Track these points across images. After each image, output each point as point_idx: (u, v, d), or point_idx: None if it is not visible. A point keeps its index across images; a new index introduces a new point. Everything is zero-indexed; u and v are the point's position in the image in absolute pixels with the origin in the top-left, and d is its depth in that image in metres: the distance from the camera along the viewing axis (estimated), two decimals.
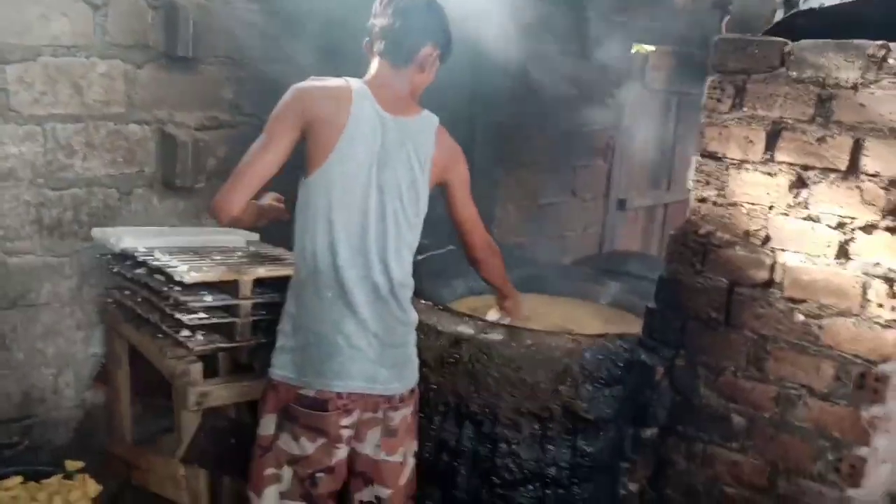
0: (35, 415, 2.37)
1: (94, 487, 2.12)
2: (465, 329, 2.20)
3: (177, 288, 1.80)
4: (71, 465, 2.22)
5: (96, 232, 2.17)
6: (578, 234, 4.33)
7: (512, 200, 3.82)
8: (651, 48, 4.63)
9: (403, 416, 1.80)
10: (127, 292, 2.07)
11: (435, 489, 2.18)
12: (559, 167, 4.08)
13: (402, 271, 1.77)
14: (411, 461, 1.85)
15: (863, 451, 1.76)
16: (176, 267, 1.80)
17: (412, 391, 1.82)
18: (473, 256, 2.08)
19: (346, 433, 1.69)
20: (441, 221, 3.34)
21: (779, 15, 4.53)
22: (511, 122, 3.49)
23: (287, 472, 1.69)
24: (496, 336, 2.16)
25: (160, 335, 1.92)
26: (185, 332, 1.82)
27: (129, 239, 2.00)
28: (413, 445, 1.86)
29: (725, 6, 4.55)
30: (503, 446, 2.11)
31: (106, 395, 2.41)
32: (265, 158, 1.64)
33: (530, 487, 2.10)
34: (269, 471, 1.69)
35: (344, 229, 1.67)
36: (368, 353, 1.68)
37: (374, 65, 1.78)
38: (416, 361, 1.83)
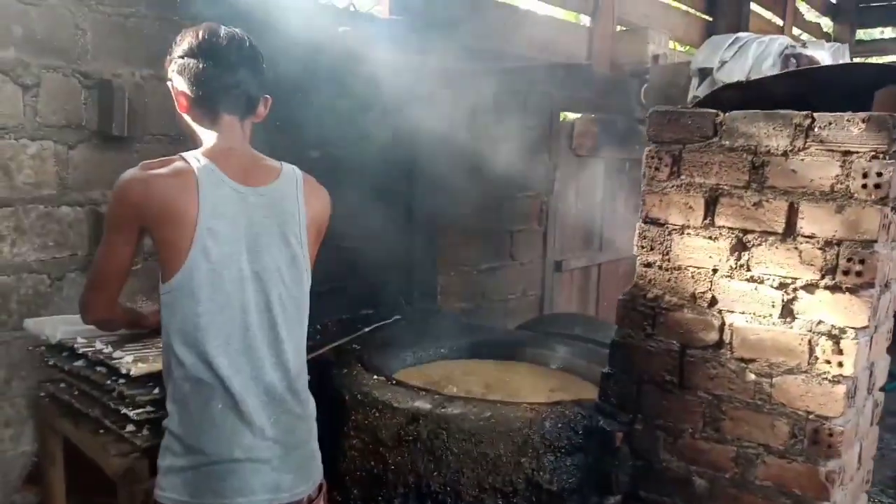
0: None
1: None
2: (423, 404, 2.16)
3: (121, 381, 1.70)
4: None
5: (29, 323, 2.05)
6: (518, 297, 4.38)
7: (453, 267, 3.84)
8: (576, 116, 4.83)
9: None
10: (63, 385, 1.95)
11: None
12: (497, 233, 4.15)
13: (300, 360, 1.59)
14: None
15: None
16: (120, 358, 1.70)
17: (320, 486, 1.63)
18: None
19: None
20: (387, 289, 3.33)
21: (693, 84, 4.76)
22: (448, 191, 3.53)
23: None
24: (455, 409, 2.13)
25: (102, 431, 1.80)
26: (131, 427, 1.71)
27: (66, 329, 1.88)
28: None
29: (642, 76, 4.83)
30: None
31: (38, 496, 2.22)
32: (112, 264, 1.50)
33: None
34: None
35: (222, 333, 1.45)
36: (271, 462, 1.50)
37: (208, 127, 1.53)
38: (318, 455, 1.63)
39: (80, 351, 1.79)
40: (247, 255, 1.49)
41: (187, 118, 1.58)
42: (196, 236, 1.42)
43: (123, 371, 1.66)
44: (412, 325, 3.04)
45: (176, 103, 1.57)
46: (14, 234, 2.22)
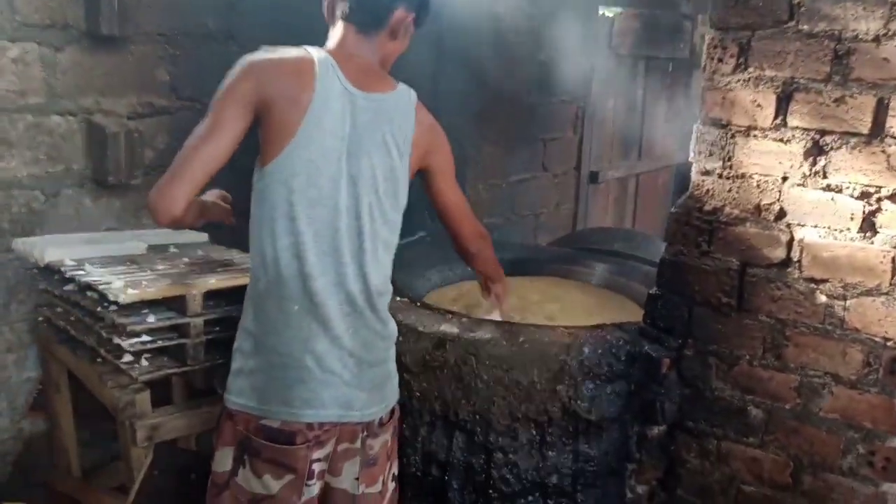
0: None
1: None
2: (450, 328, 1.98)
3: (112, 308, 1.53)
4: None
5: (17, 243, 1.88)
6: (551, 211, 4.13)
7: (481, 179, 3.60)
8: (616, 11, 4.42)
9: (384, 441, 1.56)
10: (59, 310, 1.80)
11: None
12: (528, 142, 3.87)
13: (381, 276, 1.52)
14: (392, 485, 1.62)
15: None
16: (110, 283, 1.52)
17: (392, 411, 1.58)
18: (465, 249, 1.83)
19: (318, 468, 1.44)
20: (412, 205, 3.13)
21: None
22: (477, 96, 3.25)
23: None
24: (484, 334, 1.95)
25: (99, 360, 1.65)
26: (128, 358, 1.55)
27: (54, 250, 1.71)
28: (394, 467, 1.63)
29: None
30: (499, 456, 1.91)
31: (46, 423, 2.13)
32: (211, 147, 1.36)
33: (530, 498, 1.92)
34: None
35: (311, 229, 1.41)
36: (343, 375, 1.44)
37: (338, 31, 1.51)
38: (396, 377, 1.59)
39: (68, 275, 1.62)
40: (346, 156, 1.44)
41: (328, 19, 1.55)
42: (304, 123, 1.39)
43: (111, 298, 1.49)
44: (438, 243, 2.84)
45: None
46: (1, 147, 2.04)
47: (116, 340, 1.52)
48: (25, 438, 2.18)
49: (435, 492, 1.96)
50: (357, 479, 1.50)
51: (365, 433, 1.50)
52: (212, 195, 1.59)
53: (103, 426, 2.20)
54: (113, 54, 2.22)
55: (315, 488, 1.46)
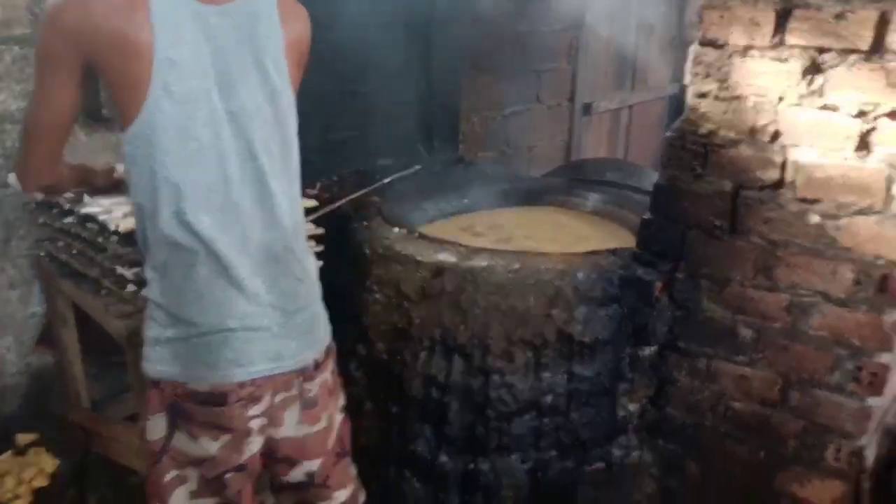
0: None
1: (50, 462, 1.92)
2: (447, 257, 2.01)
3: (114, 238, 1.54)
4: (23, 438, 2.01)
5: (13, 178, 1.87)
6: (546, 144, 4.12)
7: (475, 112, 3.57)
8: None
9: (322, 381, 1.46)
10: (60, 244, 1.81)
11: (426, 427, 2.04)
12: (523, 72, 3.82)
13: (295, 214, 1.38)
14: (339, 417, 1.55)
15: (884, 357, 1.66)
16: (109, 213, 1.53)
17: (327, 350, 1.47)
18: None
19: (256, 423, 1.36)
20: (406, 137, 3.12)
21: None
22: (469, 24, 3.19)
23: (192, 471, 1.36)
24: (481, 262, 1.98)
25: (103, 291, 1.67)
26: (131, 287, 1.57)
27: None
28: (339, 402, 1.55)
29: None
30: (496, 378, 1.97)
31: (53, 357, 2.17)
32: (48, 118, 1.24)
33: (526, 417, 1.99)
34: (171, 474, 1.35)
35: (197, 188, 1.24)
36: (271, 328, 1.33)
37: None
38: (324, 316, 1.47)
39: (67, 207, 1.62)
40: (217, 91, 1.24)
41: None
42: (154, 70, 1.17)
43: (111, 228, 1.50)
44: (433, 175, 2.84)
45: None
46: None
47: (119, 270, 1.53)
48: (33, 373, 2.22)
49: (436, 413, 2.02)
50: (300, 422, 1.44)
51: (301, 378, 1.41)
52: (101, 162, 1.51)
53: (109, 359, 2.26)
54: None
55: (256, 444, 1.39)
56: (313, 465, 1.49)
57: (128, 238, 1.52)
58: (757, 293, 1.80)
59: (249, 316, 1.31)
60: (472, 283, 1.95)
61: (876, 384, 1.67)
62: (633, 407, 2.03)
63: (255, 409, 1.34)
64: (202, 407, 1.31)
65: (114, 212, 1.53)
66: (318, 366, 1.43)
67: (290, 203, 1.36)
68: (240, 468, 1.37)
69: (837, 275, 1.68)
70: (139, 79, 1.17)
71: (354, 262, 2.15)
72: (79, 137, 2.19)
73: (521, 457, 2.01)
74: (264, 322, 1.32)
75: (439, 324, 1.99)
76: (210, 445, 1.33)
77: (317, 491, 1.52)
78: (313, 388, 1.44)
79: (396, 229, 2.21)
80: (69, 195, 1.65)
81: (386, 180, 2.67)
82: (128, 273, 1.52)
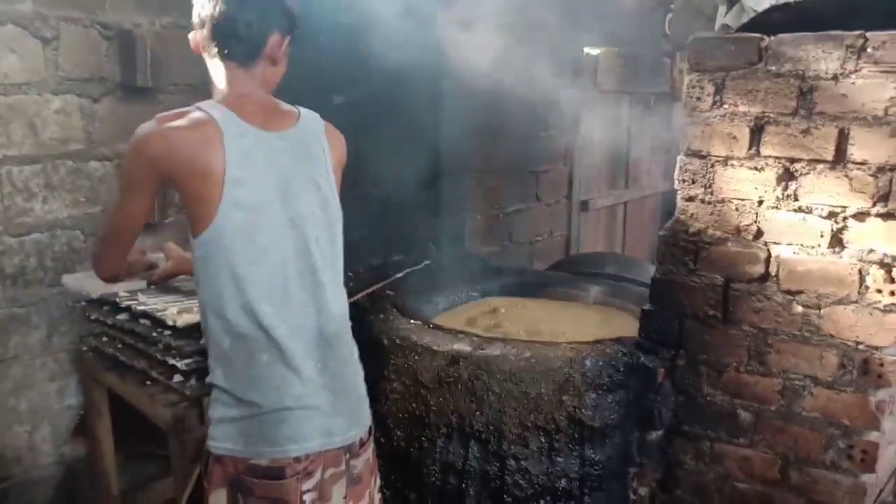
0: (12, 475, 2.22)
1: None
2: (462, 346, 2.16)
3: (167, 332, 1.70)
4: None
5: (67, 279, 2.05)
6: (546, 238, 4.34)
7: (480, 210, 3.80)
8: (600, 50, 4.69)
9: (366, 459, 1.61)
10: (105, 339, 1.96)
11: None
12: (522, 174, 4.09)
13: (342, 305, 1.57)
14: (378, 496, 1.69)
15: (873, 435, 1.78)
16: (164, 310, 1.70)
17: (369, 430, 1.63)
18: None
19: (308, 498, 1.48)
20: (416, 236, 3.31)
21: (721, 11, 4.62)
22: (474, 130, 3.46)
23: None
24: (494, 351, 2.13)
25: (149, 382, 1.82)
26: (178, 378, 1.72)
27: (105, 285, 1.88)
28: (377, 481, 1.69)
29: (668, 5, 4.66)
30: (511, 463, 2.07)
31: (86, 447, 2.27)
32: (123, 230, 1.48)
33: (542, 502, 2.07)
34: None
35: (261, 284, 1.42)
36: (322, 408, 1.49)
37: (220, 72, 1.48)
38: (366, 398, 1.63)
39: (123, 304, 1.79)
40: (280, 203, 1.45)
41: (206, 62, 1.53)
42: (224, 189, 1.38)
43: (170, 323, 1.66)
44: (443, 270, 3.02)
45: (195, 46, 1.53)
46: (45, 191, 2.21)
47: (171, 362, 1.68)
48: (67, 463, 2.32)
49: (454, 499, 2.11)
50: (345, 497, 1.57)
51: (348, 455, 1.55)
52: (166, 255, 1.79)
53: (136, 451, 2.36)
54: (145, 103, 2.40)
55: None
56: None
57: (181, 332, 1.68)
58: (752, 378, 1.94)
59: (304, 396, 1.46)
60: (486, 371, 2.09)
61: (867, 461, 1.79)
62: (643, 490, 2.12)
63: (307, 484, 1.48)
64: (261, 480, 1.45)
65: (169, 309, 1.70)
66: (362, 444, 1.59)
67: (337, 294, 1.54)
68: None
69: (823, 359, 1.83)
70: (212, 195, 1.37)
71: (372, 352, 2.28)
72: None
73: None
74: (317, 401, 1.48)
75: (455, 411, 2.11)
76: None
77: None
78: (358, 464, 1.58)
79: (412, 321, 2.36)
80: (124, 294, 1.82)
81: (398, 275, 2.84)
82: (179, 364, 1.67)
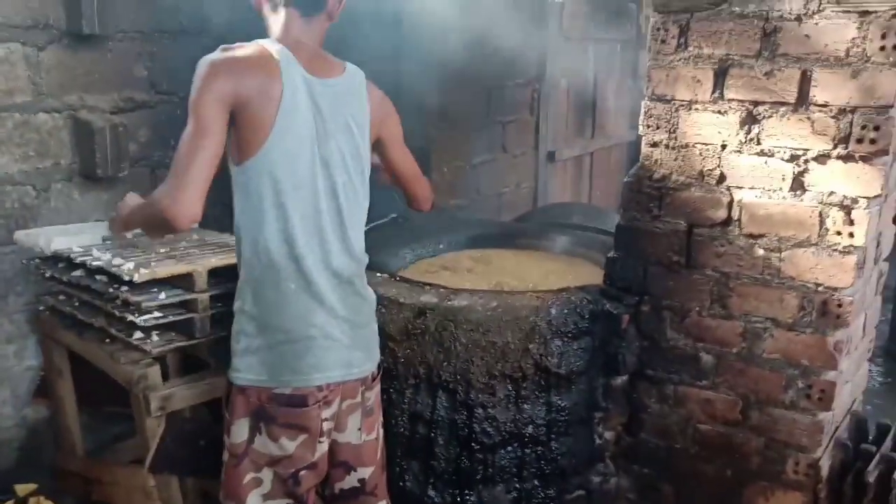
0: None
1: None
2: (429, 298, 2.15)
3: (124, 288, 1.65)
4: (22, 489, 2.05)
5: (20, 235, 1.98)
6: (512, 190, 4.32)
7: (445, 162, 3.76)
8: None
9: (377, 392, 1.74)
10: (62, 297, 1.90)
11: (413, 461, 2.15)
12: (488, 124, 4.04)
13: (360, 248, 1.66)
14: (381, 432, 1.80)
15: (831, 375, 1.83)
16: (121, 265, 1.65)
17: (379, 366, 1.75)
18: (420, 207, 1.98)
19: (326, 426, 1.60)
20: (380, 189, 3.27)
21: None
22: (438, 80, 3.40)
23: (267, 473, 1.57)
24: (461, 301, 2.12)
25: (108, 340, 1.77)
26: (139, 335, 1.68)
27: (60, 239, 1.82)
28: (381, 416, 1.81)
29: None
30: (479, 411, 2.09)
31: (48, 408, 2.23)
32: (206, 149, 1.41)
33: (509, 448, 2.10)
34: (249, 476, 1.56)
35: (297, 213, 1.51)
36: (343, 340, 1.58)
37: (280, 18, 1.56)
38: (377, 335, 1.74)
39: (78, 260, 1.73)
40: (316, 141, 1.53)
41: (262, 10, 1.60)
42: (278, 116, 1.47)
43: (126, 278, 1.62)
44: (408, 223, 2.99)
45: None
46: None
47: (130, 318, 1.64)
48: (29, 425, 2.28)
49: (423, 448, 2.13)
50: (360, 429, 1.67)
51: (363, 387, 1.66)
52: None
53: (100, 411, 2.33)
54: (93, 52, 2.31)
55: (325, 445, 1.61)
56: (366, 472, 1.72)
57: (140, 287, 1.64)
58: (714, 322, 1.97)
59: (328, 326, 1.56)
60: (453, 322, 2.08)
61: (825, 400, 1.84)
62: (609, 434, 2.16)
63: (326, 413, 1.57)
64: (284, 408, 1.53)
65: (125, 264, 1.65)
66: (374, 378, 1.69)
67: (358, 237, 1.65)
68: (312, 466, 1.59)
69: (784, 302, 1.86)
70: (266, 121, 1.46)
71: None
72: (74, 196, 2.31)
73: (506, 487, 2.12)
74: (338, 333, 1.57)
75: (423, 361, 2.11)
76: (289, 445, 1.54)
77: (365, 499, 1.73)
78: (371, 396, 1.69)
79: (378, 274, 2.34)
80: (78, 249, 1.77)
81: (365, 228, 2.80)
82: (138, 320, 1.63)
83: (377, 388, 1.74)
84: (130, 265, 1.64)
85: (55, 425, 2.22)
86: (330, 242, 1.56)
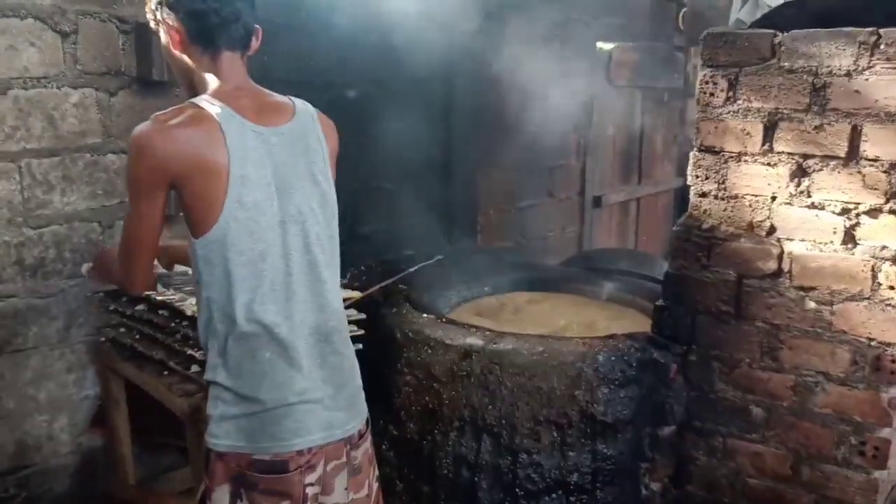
0: (31, 464, 2.24)
1: None
2: (475, 340, 2.18)
3: (185, 322, 1.72)
4: None
5: (86, 269, 2.08)
6: (557, 235, 4.34)
7: (492, 205, 3.81)
8: (613, 45, 4.68)
9: (365, 450, 1.61)
10: (122, 330, 1.99)
11: None
12: (534, 169, 4.10)
13: (338, 300, 1.55)
14: (375, 485, 1.68)
15: (885, 432, 1.79)
16: (183, 301, 1.72)
17: (367, 421, 1.61)
18: None
19: (311, 491, 1.47)
20: (427, 231, 3.33)
21: (735, 6, 4.62)
22: (485, 125, 3.48)
23: None
24: (507, 345, 2.14)
25: (166, 372, 1.84)
26: (196, 368, 1.74)
27: None
28: (375, 471, 1.67)
29: (680, 0, 4.65)
30: (524, 457, 2.09)
31: (103, 437, 2.30)
32: (146, 234, 1.40)
33: (554, 496, 2.09)
34: None
35: (266, 281, 1.40)
36: (324, 401, 1.48)
37: (218, 64, 1.42)
38: (362, 390, 1.61)
39: (142, 295, 1.81)
40: (278, 200, 1.42)
41: (183, 58, 1.45)
42: (229, 186, 1.35)
43: (188, 313, 1.69)
44: (455, 265, 3.04)
45: (168, 42, 1.44)
46: (63, 183, 2.24)
47: (189, 352, 1.71)
48: (84, 453, 2.35)
49: (466, 492, 2.13)
50: (346, 489, 1.56)
51: (348, 447, 1.55)
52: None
53: (152, 441, 2.39)
54: (160, 98, 2.42)
55: None
56: None
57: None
58: (765, 374, 1.95)
59: (306, 391, 1.45)
60: (498, 365, 2.10)
61: (880, 457, 1.79)
62: (655, 486, 2.13)
63: (310, 477, 1.47)
64: (265, 475, 1.44)
65: (188, 300, 1.72)
66: (360, 435, 1.59)
67: (335, 289, 1.53)
68: None
69: (836, 356, 1.83)
70: (216, 195, 1.35)
71: (385, 346, 2.31)
72: None
73: None
74: (318, 395, 1.47)
75: (468, 404, 2.13)
76: None
77: None
78: (358, 455, 1.58)
79: (425, 315, 2.38)
80: None
81: (411, 269, 2.85)
82: (197, 354, 1.69)
83: (365, 444, 1.61)
84: (192, 300, 1.71)
85: (109, 454, 2.29)
86: (305, 302, 1.46)
